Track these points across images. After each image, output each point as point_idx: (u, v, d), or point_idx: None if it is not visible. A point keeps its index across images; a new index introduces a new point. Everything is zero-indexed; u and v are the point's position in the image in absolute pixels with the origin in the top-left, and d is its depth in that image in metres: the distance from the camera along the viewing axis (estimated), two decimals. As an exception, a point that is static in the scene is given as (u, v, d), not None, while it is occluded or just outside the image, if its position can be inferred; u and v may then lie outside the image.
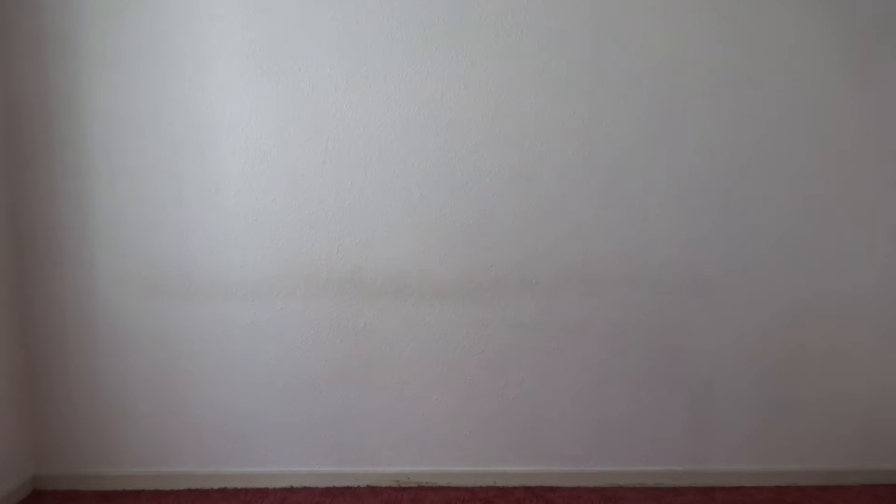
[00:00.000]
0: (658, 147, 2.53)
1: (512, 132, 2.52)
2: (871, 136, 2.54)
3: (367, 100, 2.49)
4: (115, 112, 2.49)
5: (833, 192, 2.57)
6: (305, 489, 2.67)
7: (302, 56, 2.47)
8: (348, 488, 2.67)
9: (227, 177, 2.53)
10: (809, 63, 2.50)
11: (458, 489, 2.63)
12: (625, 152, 2.53)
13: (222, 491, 2.66)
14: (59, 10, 2.44)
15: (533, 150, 2.51)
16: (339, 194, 2.52)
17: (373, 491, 2.65)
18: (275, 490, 2.67)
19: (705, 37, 2.48)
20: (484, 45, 2.44)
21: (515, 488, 2.67)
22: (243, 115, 2.50)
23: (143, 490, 2.67)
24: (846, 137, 2.54)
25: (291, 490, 2.67)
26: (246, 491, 2.66)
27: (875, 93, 2.52)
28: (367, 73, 2.47)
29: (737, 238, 2.58)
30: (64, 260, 2.56)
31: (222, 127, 2.51)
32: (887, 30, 2.49)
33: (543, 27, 2.45)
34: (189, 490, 2.67)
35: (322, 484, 2.69)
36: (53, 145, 2.51)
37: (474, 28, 2.46)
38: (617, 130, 2.52)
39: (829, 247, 2.59)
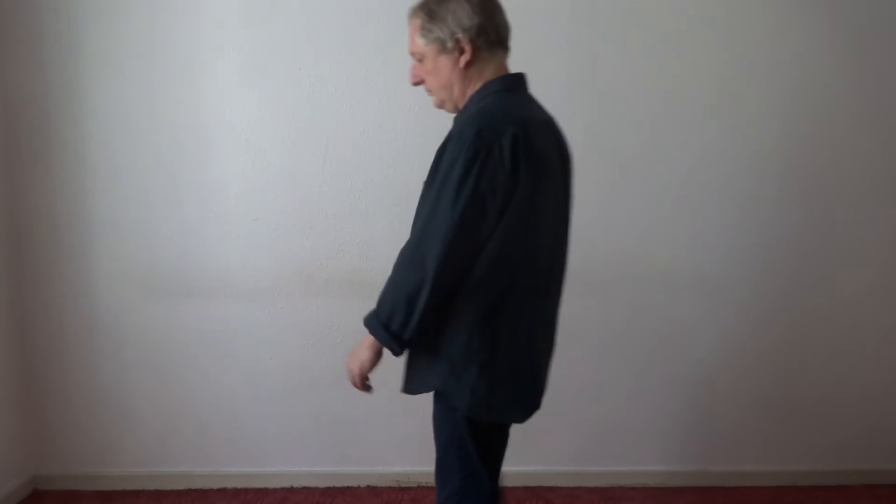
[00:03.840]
0: (658, 147, 2.53)
1: (512, 132, 2.51)
2: (872, 136, 2.54)
3: (367, 100, 2.48)
4: (115, 112, 2.49)
5: (834, 192, 2.57)
6: (305, 489, 2.67)
7: (302, 56, 2.47)
8: (348, 488, 2.67)
9: (227, 177, 2.53)
10: (810, 63, 2.50)
11: (458, 489, 2.62)
12: (625, 152, 2.53)
13: (222, 491, 2.66)
14: (59, 10, 2.44)
15: (533, 150, 2.51)
16: (339, 194, 2.52)
17: (373, 491, 2.65)
18: (275, 490, 2.67)
19: (706, 36, 2.48)
20: (484, 45, 2.43)
21: (515, 488, 2.66)
22: (243, 115, 2.50)
23: (143, 490, 2.67)
24: (847, 137, 2.53)
25: (291, 490, 2.67)
26: (246, 491, 2.66)
27: (876, 93, 2.52)
28: (367, 73, 2.47)
29: (737, 238, 2.58)
30: (63, 260, 2.56)
31: (222, 127, 2.51)
32: (888, 29, 2.49)
33: (543, 27, 2.44)
34: (189, 490, 2.67)
35: (322, 484, 2.68)
36: (53, 146, 2.51)
37: (474, 28, 2.45)
38: (618, 130, 2.51)
39: (830, 247, 2.59)
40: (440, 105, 1.55)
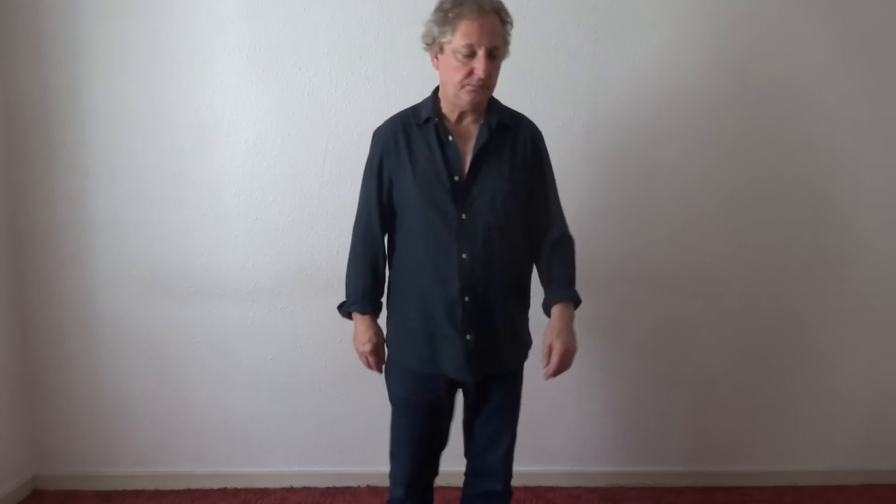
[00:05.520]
0: (658, 147, 2.53)
1: (512, 132, 2.51)
2: (872, 136, 2.54)
3: (366, 100, 2.49)
4: (115, 112, 2.49)
5: (833, 191, 2.57)
6: (305, 489, 2.67)
7: (302, 56, 2.47)
8: (348, 488, 2.67)
9: (227, 177, 2.53)
10: (810, 64, 2.50)
11: (458, 489, 2.62)
12: (625, 152, 2.53)
13: (222, 491, 2.66)
14: (59, 10, 2.44)
15: (533, 150, 2.50)
16: (339, 194, 2.52)
17: (373, 491, 2.65)
18: (275, 490, 2.67)
19: (706, 36, 2.48)
20: (484, 45, 2.43)
21: (516, 488, 2.65)
22: (243, 115, 2.50)
23: (143, 490, 2.67)
24: (847, 138, 2.53)
25: (291, 490, 2.67)
26: (246, 491, 2.66)
27: (876, 93, 2.52)
28: (367, 73, 2.47)
29: (737, 238, 2.58)
30: (63, 260, 2.56)
31: (222, 127, 2.51)
32: (887, 30, 2.49)
33: (544, 28, 2.45)
34: (189, 490, 2.67)
35: (322, 484, 2.69)
36: (53, 145, 2.51)
37: (474, 28, 2.45)
38: (617, 131, 2.51)
39: (829, 246, 2.59)
40: (483, 99, 1.70)
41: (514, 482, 2.66)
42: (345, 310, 1.89)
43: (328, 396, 2.63)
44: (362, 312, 1.84)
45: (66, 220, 2.54)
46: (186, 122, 2.50)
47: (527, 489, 2.66)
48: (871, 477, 2.70)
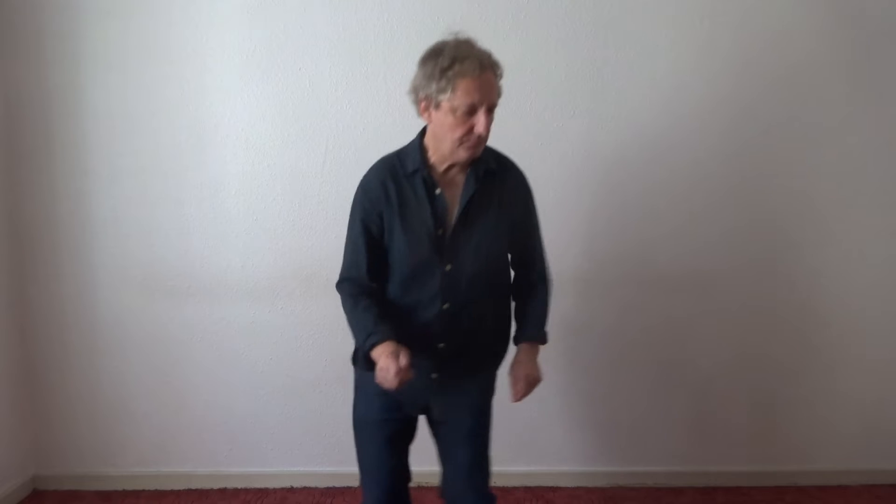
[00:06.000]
0: (658, 147, 2.53)
1: (512, 132, 2.50)
2: (873, 137, 2.54)
3: (367, 100, 2.49)
4: (115, 112, 2.49)
5: (834, 192, 2.57)
6: (305, 489, 2.67)
7: (302, 56, 2.47)
8: (348, 488, 2.67)
9: (227, 177, 2.53)
10: (811, 64, 2.49)
11: (458, 489, 2.63)
12: (625, 153, 2.53)
13: (222, 491, 2.67)
14: (59, 10, 2.44)
15: (533, 150, 2.51)
16: (339, 194, 2.51)
17: (373, 491, 2.64)
18: (275, 490, 2.67)
19: (706, 37, 2.48)
20: (484, 45, 2.43)
21: (515, 488, 2.66)
22: (243, 115, 2.50)
23: (143, 490, 2.67)
24: (847, 138, 2.53)
25: (291, 490, 2.67)
26: (246, 491, 2.66)
27: (876, 93, 2.52)
28: (367, 73, 2.47)
29: (737, 238, 2.58)
30: (63, 260, 2.56)
31: (222, 127, 2.51)
32: (888, 30, 2.49)
33: (544, 27, 2.45)
34: (189, 490, 2.67)
35: (322, 484, 2.69)
36: (53, 145, 2.51)
37: (474, 28, 2.44)
38: (618, 131, 2.51)
39: (830, 247, 2.59)
40: (479, 153, 1.65)
41: (515, 482, 2.69)
42: (363, 349, 1.67)
43: (328, 396, 2.63)
44: (386, 339, 1.61)
45: (66, 220, 2.54)
46: (186, 123, 2.50)
47: (527, 489, 2.66)
48: (872, 477, 2.71)
